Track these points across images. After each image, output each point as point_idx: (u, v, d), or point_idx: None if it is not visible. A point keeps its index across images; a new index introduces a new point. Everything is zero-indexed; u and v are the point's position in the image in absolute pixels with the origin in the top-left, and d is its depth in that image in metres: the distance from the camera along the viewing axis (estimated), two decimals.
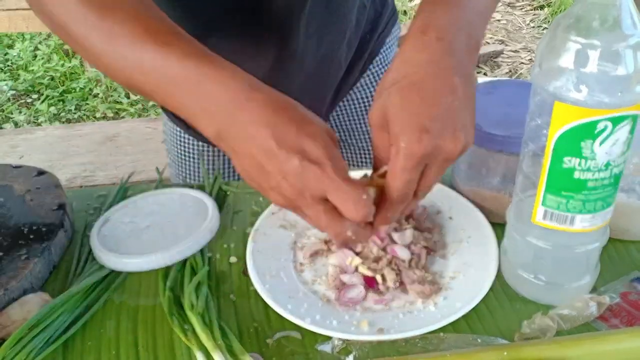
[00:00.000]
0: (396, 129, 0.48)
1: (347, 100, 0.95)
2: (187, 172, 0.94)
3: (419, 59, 0.49)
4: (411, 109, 0.47)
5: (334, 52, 0.84)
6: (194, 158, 0.93)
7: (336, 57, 0.85)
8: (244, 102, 0.48)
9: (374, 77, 0.95)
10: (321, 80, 0.86)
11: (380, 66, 0.95)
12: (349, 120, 0.97)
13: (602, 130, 0.48)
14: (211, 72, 0.49)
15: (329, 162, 0.46)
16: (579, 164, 0.49)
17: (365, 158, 1.00)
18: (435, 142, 0.47)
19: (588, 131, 0.48)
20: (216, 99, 0.48)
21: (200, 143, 0.92)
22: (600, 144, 0.48)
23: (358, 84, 0.94)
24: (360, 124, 0.97)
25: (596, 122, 0.47)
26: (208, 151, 0.92)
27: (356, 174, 0.56)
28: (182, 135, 0.92)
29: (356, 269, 0.60)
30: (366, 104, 0.96)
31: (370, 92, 0.95)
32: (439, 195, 0.69)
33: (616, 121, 0.47)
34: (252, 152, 0.47)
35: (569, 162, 0.50)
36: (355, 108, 0.96)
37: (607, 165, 0.49)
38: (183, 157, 0.93)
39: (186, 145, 0.92)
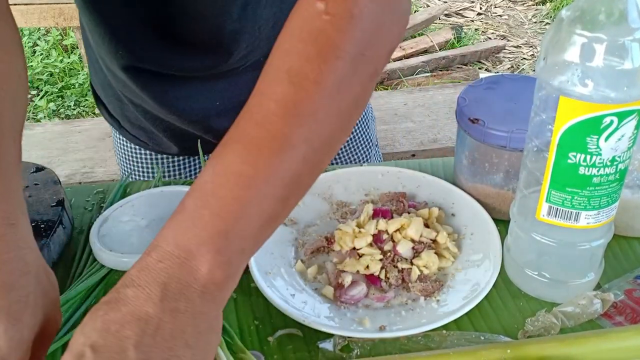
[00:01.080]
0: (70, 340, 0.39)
1: None
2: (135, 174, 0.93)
3: (127, 279, 0.40)
4: (85, 328, 0.39)
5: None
6: (142, 167, 0.92)
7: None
8: None
9: None
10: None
11: None
12: None
13: (608, 126, 0.47)
14: None
15: None
16: (584, 160, 0.49)
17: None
18: None
19: (593, 126, 0.47)
20: None
21: (146, 152, 0.91)
22: (606, 139, 0.48)
23: None
24: None
25: (602, 117, 0.47)
26: (156, 159, 0.91)
27: None
28: (130, 145, 0.91)
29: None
30: None
31: None
32: (441, 192, 0.69)
33: (622, 116, 0.47)
34: None
35: (574, 157, 0.49)
36: None
37: (613, 160, 0.49)
38: (131, 166, 0.93)
39: (134, 154, 0.91)
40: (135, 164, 0.92)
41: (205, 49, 0.73)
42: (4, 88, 0.49)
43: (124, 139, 0.91)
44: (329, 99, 0.42)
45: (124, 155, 0.93)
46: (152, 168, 0.91)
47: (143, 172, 0.92)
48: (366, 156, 0.99)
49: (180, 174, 0.91)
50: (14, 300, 0.41)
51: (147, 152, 0.91)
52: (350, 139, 0.97)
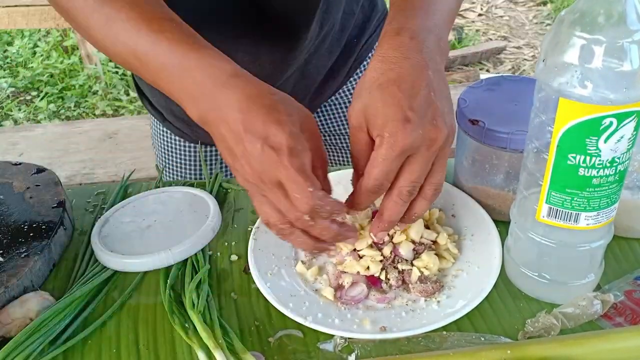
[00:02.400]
0: (379, 122, 0.50)
1: (333, 104, 0.95)
2: (177, 173, 0.94)
3: (394, 57, 0.51)
4: (392, 102, 0.49)
5: (312, 57, 0.84)
6: (181, 159, 0.93)
7: (313, 62, 0.85)
8: (222, 87, 0.50)
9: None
10: (297, 84, 0.85)
11: None
12: (334, 122, 0.97)
13: (607, 127, 0.47)
14: (196, 59, 0.51)
15: (287, 150, 0.48)
16: (584, 161, 0.49)
17: (347, 159, 1.00)
18: (417, 130, 0.49)
19: (593, 128, 0.47)
20: (199, 85, 0.51)
21: (187, 144, 0.92)
22: (605, 140, 0.48)
23: (345, 88, 0.94)
24: (344, 127, 0.97)
25: (601, 119, 0.47)
26: (195, 151, 0.92)
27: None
28: (170, 137, 0.93)
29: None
30: None
31: None
32: (442, 193, 0.69)
33: (621, 117, 0.47)
34: (225, 135, 0.50)
35: (574, 159, 0.49)
36: (340, 112, 0.96)
37: (612, 162, 0.49)
38: (171, 158, 0.94)
39: (174, 146, 0.93)
40: (176, 156, 0.94)
41: (276, 37, 0.77)
42: None
43: (167, 131, 0.92)
44: None
45: (165, 148, 0.94)
46: (194, 160, 0.93)
47: (184, 164, 0.94)
48: (348, 159, 1.00)
49: (222, 165, 0.92)
50: (285, 104, 0.50)
51: (189, 144, 0.92)
52: (334, 145, 0.99)
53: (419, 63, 0.51)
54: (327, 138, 0.99)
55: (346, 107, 0.95)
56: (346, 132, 0.97)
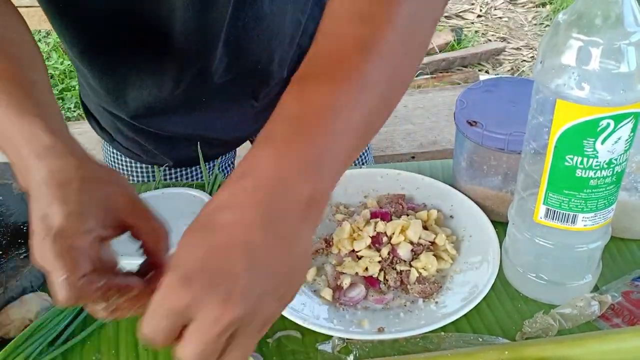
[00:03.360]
0: (170, 264, 0.38)
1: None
2: None
3: (222, 204, 0.39)
4: (187, 253, 0.38)
5: (261, 71, 0.78)
6: (133, 181, 0.91)
7: (265, 75, 0.80)
8: (36, 159, 0.45)
9: None
10: (248, 97, 0.81)
11: None
12: None
13: (605, 128, 0.47)
14: (18, 129, 0.46)
15: (54, 232, 0.40)
16: (581, 162, 0.49)
17: None
18: (193, 297, 0.36)
19: (590, 129, 0.47)
20: (20, 156, 0.46)
21: (139, 165, 0.90)
22: (603, 142, 0.48)
23: None
24: None
25: (598, 120, 0.47)
26: (147, 172, 0.90)
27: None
28: (121, 158, 0.90)
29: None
30: None
31: None
32: (440, 194, 0.69)
33: (618, 119, 0.47)
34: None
35: (571, 160, 0.49)
36: None
37: (609, 163, 0.49)
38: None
39: (126, 168, 0.91)
40: (128, 175, 0.91)
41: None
42: (22, 49, 0.52)
43: (116, 151, 0.90)
44: (402, 37, 0.44)
45: (115, 168, 0.92)
46: (146, 180, 0.90)
47: (137, 184, 0.92)
48: (364, 159, 0.99)
49: (220, 167, 0.91)
50: (68, 191, 0.42)
51: (140, 164, 0.90)
52: None
53: (247, 222, 0.37)
54: None
55: None
56: None
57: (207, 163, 0.87)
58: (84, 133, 1.94)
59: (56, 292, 0.40)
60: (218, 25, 0.69)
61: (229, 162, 0.97)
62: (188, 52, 0.71)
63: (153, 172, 0.90)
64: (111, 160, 0.93)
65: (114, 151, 0.91)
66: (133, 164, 0.90)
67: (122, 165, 0.91)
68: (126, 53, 0.71)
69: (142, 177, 0.91)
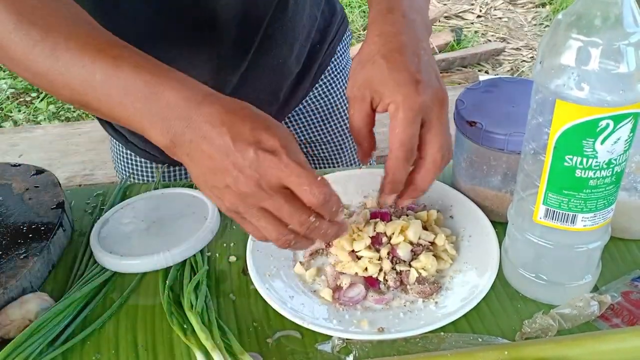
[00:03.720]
0: (389, 88, 0.53)
1: (302, 112, 0.94)
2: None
3: (391, 31, 0.56)
4: (399, 68, 0.53)
5: (283, 65, 0.82)
6: (145, 181, 0.91)
7: (285, 70, 0.83)
8: (198, 105, 0.48)
9: (327, 87, 0.93)
10: (267, 93, 0.84)
11: (332, 76, 0.94)
12: (305, 131, 0.95)
13: (604, 129, 0.47)
14: (165, 81, 0.49)
15: (284, 149, 0.47)
16: (581, 163, 0.49)
17: (322, 167, 0.99)
18: (428, 90, 0.53)
19: (589, 129, 0.47)
20: (171, 106, 0.49)
21: (154, 165, 0.91)
22: (602, 142, 0.48)
23: (311, 95, 0.92)
24: (315, 134, 0.96)
25: (598, 121, 0.47)
26: (161, 172, 0.91)
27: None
28: (135, 159, 0.91)
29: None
30: (321, 114, 0.94)
31: (325, 102, 0.94)
32: (439, 194, 0.69)
33: (618, 119, 0.47)
34: (208, 152, 0.48)
35: (571, 160, 0.49)
36: (310, 119, 0.95)
37: (609, 163, 0.49)
38: (135, 180, 0.92)
39: (138, 168, 0.91)
40: (141, 179, 0.92)
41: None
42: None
43: (131, 153, 0.91)
44: None
45: (128, 171, 0.93)
46: (162, 180, 0.90)
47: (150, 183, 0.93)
48: (322, 166, 0.99)
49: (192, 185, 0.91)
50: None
51: (156, 165, 0.91)
52: (304, 154, 0.98)
53: (414, 36, 0.56)
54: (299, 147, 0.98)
55: (313, 114, 0.94)
56: (316, 141, 0.96)
57: None
58: (83, 134, 1.94)
59: (311, 192, 0.47)
60: (261, 17, 0.72)
61: None
62: (226, 47, 0.74)
63: (169, 172, 0.91)
64: (123, 161, 0.93)
65: (127, 152, 0.91)
66: (148, 164, 0.91)
67: (135, 165, 0.92)
68: (165, 49, 0.71)
69: (154, 176, 0.91)
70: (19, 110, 2.70)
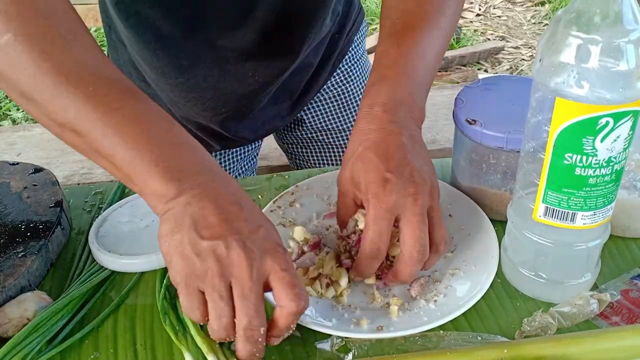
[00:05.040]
0: (362, 187, 0.55)
1: (319, 100, 0.95)
2: None
3: (369, 129, 0.57)
4: (371, 167, 0.54)
5: (309, 55, 0.84)
6: None
7: (307, 63, 0.86)
8: (219, 171, 0.51)
9: (344, 75, 0.95)
10: (289, 82, 0.85)
11: (350, 64, 0.95)
12: (322, 119, 0.97)
13: (604, 127, 0.47)
14: (188, 139, 0.52)
15: (287, 252, 0.50)
16: (580, 161, 0.49)
17: (338, 156, 1.00)
18: (397, 188, 0.53)
19: (589, 127, 0.47)
20: (194, 163, 0.50)
21: None
22: (602, 140, 0.48)
23: (329, 83, 0.94)
24: (332, 122, 0.97)
25: (597, 118, 0.47)
26: None
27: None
28: None
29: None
30: (338, 102, 0.96)
31: (342, 90, 0.96)
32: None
33: (618, 117, 0.47)
34: (211, 209, 0.48)
35: (570, 158, 0.49)
36: (327, 107, 0.96)
37: (609, 161, 0.49)
38: None
39: None
40: None
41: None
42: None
43: None
44: (455, 5, 0.66)
45: None
46: None
47: None
48: (338, 158, 1.00)
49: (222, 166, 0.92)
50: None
51: None
52: (322, 142, 0.99)
53: (392, 131, 0.56)
54: (315, 135, 0.99)
55: (330, 102, 0.96)
56: (333, 129, 0.98)
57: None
58: None
59: (294, 303, 0.48)
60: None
61: (239, 157, 0.97)
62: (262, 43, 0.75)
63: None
64: None
65: None
66: None
67: None
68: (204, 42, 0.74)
69: None
70: (18, 109, 2.69)
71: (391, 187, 0.53)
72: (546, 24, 3.19)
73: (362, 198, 0.55)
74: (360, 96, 0.97)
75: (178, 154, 0.50)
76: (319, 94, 0.95)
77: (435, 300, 0.57)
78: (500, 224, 0.64)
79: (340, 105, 0.96)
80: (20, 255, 0.62)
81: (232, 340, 0.49)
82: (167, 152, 0.49)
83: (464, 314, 0.55)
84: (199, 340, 0.53)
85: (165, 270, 0.63)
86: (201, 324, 0.50)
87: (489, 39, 3.11)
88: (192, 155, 0.50)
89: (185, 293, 0.48)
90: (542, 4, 3.42)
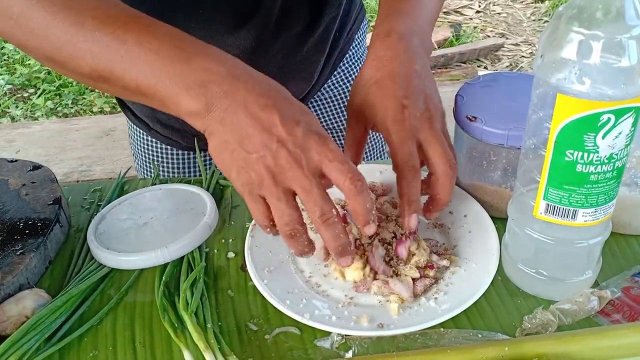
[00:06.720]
0: (380, 114, 0.57)
1: (318, 99, 0.95)
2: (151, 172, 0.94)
3: (386, 56, 0.59)
4: (388, 95, 0.57)
5: (309, 53, 0.85)
6: (169, 167, 0.93)
7: (309, 58, 0.86)
8: (240, 73, 0.50)
9: (344, 74, 0.95)
10: (290, 80, 0.85)
11: (350, 63, 0.95)
12: (322, 119, 0.97)
13: (605, 123, 0.47)
14: (201, 48, 0.51)
15: (329, 139, 0.50)
16: (582, 157, 0.49)
17: None
18: (415, 113, 0.56)
19: (591, 124, 0.47)
20: (210, 71, 0.50)
21: (176, 151, 0.92)
22: (603, 136, 0.48)
23: (329, 83, 0.94)
24: (332, 121, 0.97)
25: (599, 115, 0.46)
26: (184, 157, 0.92)
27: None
28: (157, 145, 0.92)
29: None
30: (339, 101, 0.96)
31: (342, 89, 0.96)
32: None
33: (619, 113, 0.47)
34: (248, 121, 0.49)
35: (571, 155, 0.49)
36: (327, 107, 0.96)
37: (610, 158, 0.49)
38: (159, 166, 0.94)
39: (161, 154, 0.93)
40: (165, 164, 0.93)
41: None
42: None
43: (153, 140, 0.92)
44: None
45: (150, 157, 0.93)
46: (183, 166, 0.92)
47: (173, 172, 0.93)
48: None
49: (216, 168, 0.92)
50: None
51: (177, 151, 0.91)
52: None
53: (407, 59, 0.59)
54: None
55: (331, 101, 0.96)
56: (333, 129, 0.98)
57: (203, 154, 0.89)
58: (81, 130, 1.94)
59: (351, 180, 0.49)
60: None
61: None
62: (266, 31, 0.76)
63: (189, 158, 0.92)
64: (143, 149, 0.94)
65: (149, 139, 0.92)
66: (169, 151, 0.92)
67: (157, 151, 0.92)
68: (202, 26, 0.74)
69: (179, 163, 0.92)
70: (17, 107, 2.69)
71: (409, 112, 0.56)
72: (546, 21, 3.19)
73: (375, 122, 0.58)
74: None
75: (193, 67, 0.49)
76: (319, 94, 0.94)
77: (436, 298, 0.57)
78: (500, 221, 0.64)
79: (341, 105, 0.96)
80: (18, 253, 0.62)
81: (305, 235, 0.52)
82: (182, 70, 0.49)
83: (464, 311, 0.55)
84: (195, 337, 0.53)
85: (164, 267, 0.63)
86: (267, 228, 0.53)
87: (488, 36, 3.10)
88: (208, 64, 0.50)
89: (249, 200, 0.52)
90: (542, 0, 3.42)
